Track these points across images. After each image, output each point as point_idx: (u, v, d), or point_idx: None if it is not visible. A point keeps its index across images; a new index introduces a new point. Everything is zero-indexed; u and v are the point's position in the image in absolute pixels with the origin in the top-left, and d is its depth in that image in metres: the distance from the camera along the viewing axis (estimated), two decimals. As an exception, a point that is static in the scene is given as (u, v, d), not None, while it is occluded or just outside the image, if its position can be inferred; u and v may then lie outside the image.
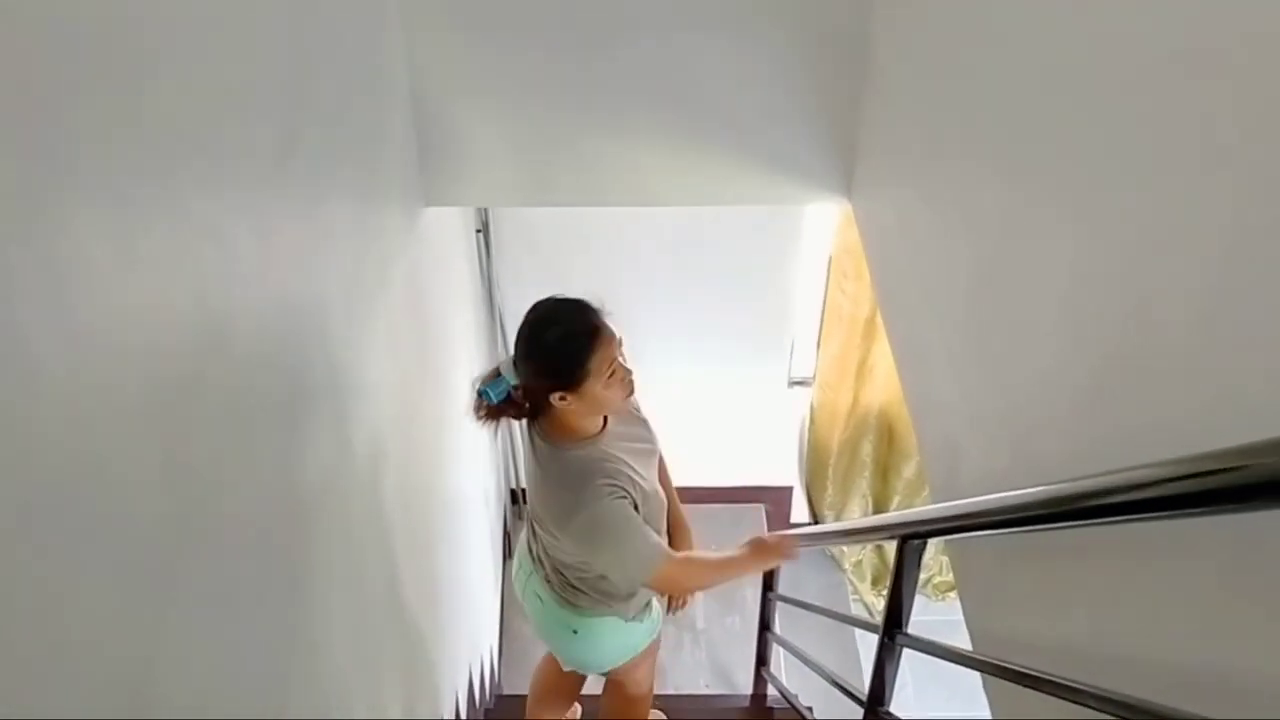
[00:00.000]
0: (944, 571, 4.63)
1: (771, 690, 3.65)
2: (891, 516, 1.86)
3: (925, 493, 4.41)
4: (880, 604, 4.61)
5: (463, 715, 2.99)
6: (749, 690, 3.77)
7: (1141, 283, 1.11)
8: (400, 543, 2.20)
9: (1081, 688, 1.13)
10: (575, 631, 2.41)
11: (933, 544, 4.54)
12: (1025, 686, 1.32)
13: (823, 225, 3.77)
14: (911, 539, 1.79)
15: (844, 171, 2.48)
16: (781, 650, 3.49)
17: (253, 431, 1.18)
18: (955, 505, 1.58)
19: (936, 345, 1.88)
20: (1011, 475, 1.54)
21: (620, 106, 2.38)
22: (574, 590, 2.32)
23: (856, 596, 4.62)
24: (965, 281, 1.72)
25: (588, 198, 2.66)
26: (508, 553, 4.42)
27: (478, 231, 3.64)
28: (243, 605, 1.13)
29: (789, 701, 3.35)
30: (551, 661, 2.83)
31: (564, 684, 2.96)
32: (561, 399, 2.00)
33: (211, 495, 1.03)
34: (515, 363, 2.06)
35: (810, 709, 3.40)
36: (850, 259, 3.72)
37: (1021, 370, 1.49)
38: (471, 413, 2.12)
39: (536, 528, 2.31)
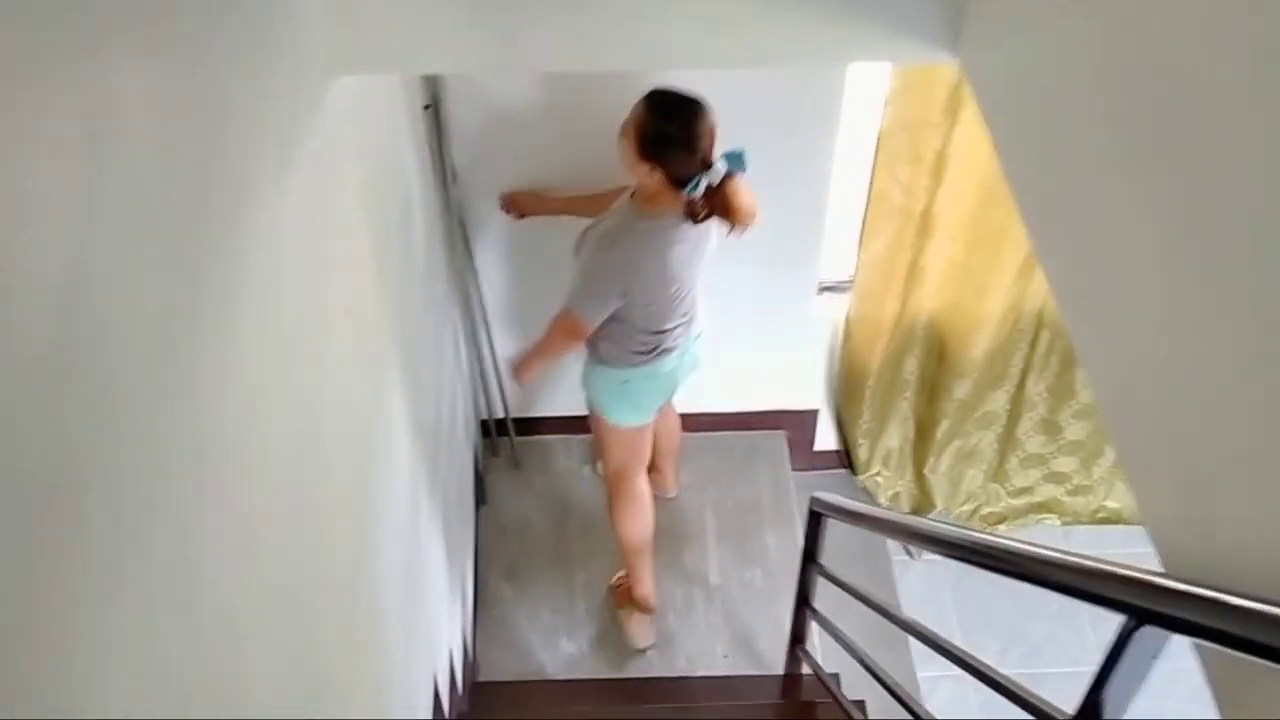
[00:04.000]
0: (994, 501, 3.97)
1: (807, 669, 3.00)
2: (1130, 572, 1.09)
3: (978, 413, 3.70)
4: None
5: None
6: (778, 669, 3.12)
7: None
8: (331, 518, 1.48)
9: None
10: None
11: (982, 462, 3.82)
12: None
13: (871, 94, 2.93)
14: (1151, 623, 1.06)
15: (950, 10, 1.67)
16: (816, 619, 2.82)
17: None
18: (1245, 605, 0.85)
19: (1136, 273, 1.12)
20: None
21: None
22: None
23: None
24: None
25: (572, 60, 1.82)
26: (481, 497, 3.70)
27: (425, 108, 2.80)
28: None
29: (833, 695, 2.69)
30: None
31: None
32: None
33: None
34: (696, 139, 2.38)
35: (862, 702, 2.75)
36: (906, 137, 2.91)
37: None
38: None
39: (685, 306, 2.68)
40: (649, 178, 2.43)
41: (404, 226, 2.49)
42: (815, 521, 2.67)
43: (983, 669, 1.54)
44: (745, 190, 2.41)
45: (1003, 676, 1.45)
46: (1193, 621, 0.97)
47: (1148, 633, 1.07)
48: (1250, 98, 0.89)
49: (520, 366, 2.87)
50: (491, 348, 3.51)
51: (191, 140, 1.04)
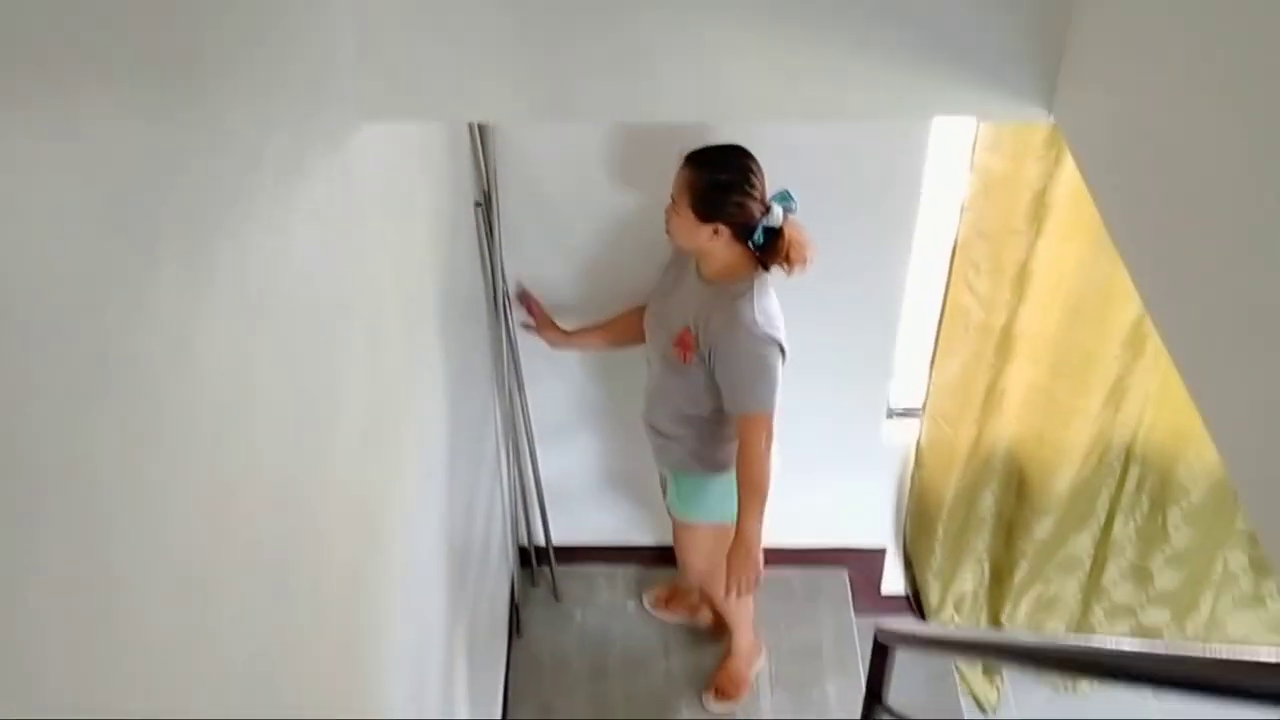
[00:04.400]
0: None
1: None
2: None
3: (1060, 556, 3.39)
4: (995, 697, 3.58)
5: None
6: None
7: None
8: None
9: None
10: None
11: (1063, 612, 3.46)
12: None
13: (946, 197, 2.76)
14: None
15: (1044, 61, 1.49)
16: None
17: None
18: None
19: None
20: None
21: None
22: None
23: (965, 686, 3.60)
24: None
25: (625, 111, 1.67)
26: (516, 629, 3.44)
27: (477, 205, 2.67)
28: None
29: None
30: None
31: None
32: None
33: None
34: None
35: None
36: (985, 246, 2.72)
37: None
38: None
39: None
40: (714, 242, 2.37)
41: (448, 322, 2.33)
42: (880, 656, 2.38)
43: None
44: (801, 227, 2.41)
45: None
46: None
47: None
48: None
49: (750, 556, 2.59)
50: (535, 469, 3.29)
51: (160, 151, 0.87)
